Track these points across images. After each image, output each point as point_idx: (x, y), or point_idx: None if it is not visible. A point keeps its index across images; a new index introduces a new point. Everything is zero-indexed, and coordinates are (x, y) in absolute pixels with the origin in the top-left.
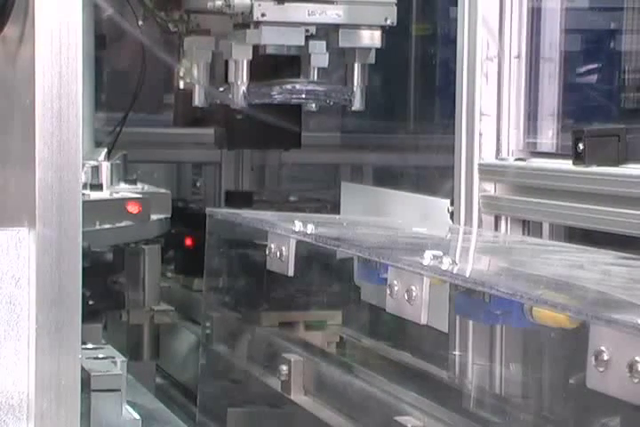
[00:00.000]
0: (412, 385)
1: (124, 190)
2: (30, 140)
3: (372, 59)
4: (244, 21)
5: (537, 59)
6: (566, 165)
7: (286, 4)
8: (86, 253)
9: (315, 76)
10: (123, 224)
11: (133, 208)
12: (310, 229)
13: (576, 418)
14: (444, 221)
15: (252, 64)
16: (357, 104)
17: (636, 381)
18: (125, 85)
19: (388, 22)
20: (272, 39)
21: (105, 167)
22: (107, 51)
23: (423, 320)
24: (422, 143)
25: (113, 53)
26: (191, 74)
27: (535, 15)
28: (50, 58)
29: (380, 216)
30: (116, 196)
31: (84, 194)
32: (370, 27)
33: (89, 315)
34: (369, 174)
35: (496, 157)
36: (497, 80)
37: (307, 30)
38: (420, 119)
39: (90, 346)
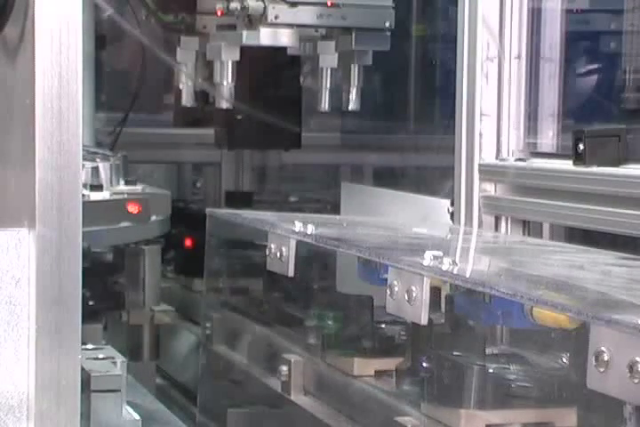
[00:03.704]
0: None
1: (124, 191)
2: (30, 140)
3: (369, 60)
4: (249, 22)
5: (537, 59)
6: (566, 165)
7: (299, 7)
8: (86, 254)
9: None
10: (123, 225)
11: (133, 208)
12: (310, 229)
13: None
14: (444, 221)
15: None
16: (353, 105)
17: (637, 381)
18: (125, 85)
19: (387, 25)
20: (269, 40)
21: (104, 168)
22: (107, 51)
23: (423, 321)
24: (422, 143)
25: (113, 53)
26: (179, 74)
27: (535, 15)
28: (50, 58)
29: (380, 216)
30: (115, 196)
31: (83, 194)
32: (374, 30)
33: (89, 315)
34: (369, 175)
35: (496, 158)
36: (497, 80)
37: (316, 31)
38: (420, 119)
39: (90, 347)
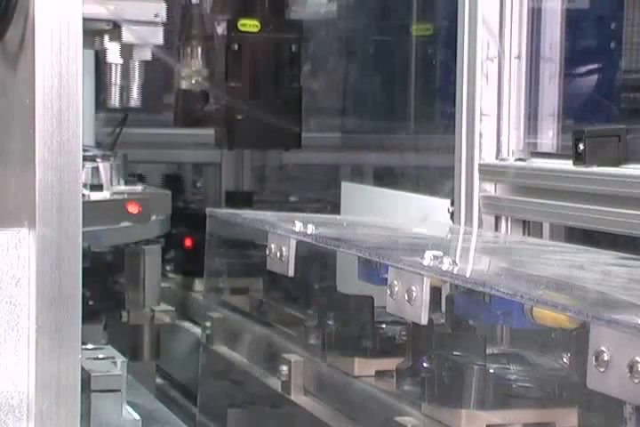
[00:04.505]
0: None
1: (124, 191)
2: (30, 140)
3: (148, 55)
4: None
5: (537, 59)
6: (567, 165)
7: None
8: (86, 254)
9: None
10: (123, 225)
11: (133, 208)
12: (310, 229)
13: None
14: (444, 221)
15: None
16: (133, 102)
17: (637, 381)
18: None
19: (158, 19)
20: None
21: (104, 168)
22: None
23: (423, 321)
24: (422, 143)
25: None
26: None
27: (535, 15)
28: (50, 58)
29: (380, 216)
30: (115, 196)
31: (83, 194)
32: (148, 23)
33: (89, 315)
34: (369, 175)
35: (496, 158)
36: (497, 80)
37: (107, 24)
38: (420, 119)
39: (90, 346)
